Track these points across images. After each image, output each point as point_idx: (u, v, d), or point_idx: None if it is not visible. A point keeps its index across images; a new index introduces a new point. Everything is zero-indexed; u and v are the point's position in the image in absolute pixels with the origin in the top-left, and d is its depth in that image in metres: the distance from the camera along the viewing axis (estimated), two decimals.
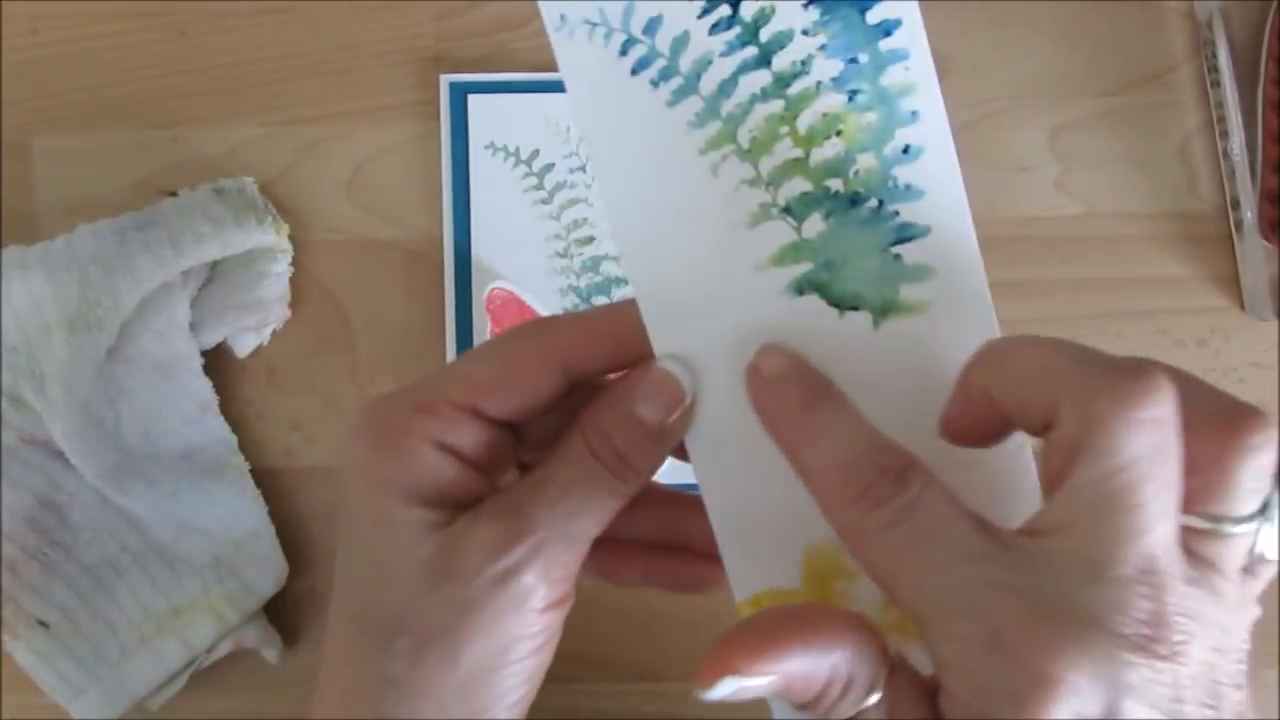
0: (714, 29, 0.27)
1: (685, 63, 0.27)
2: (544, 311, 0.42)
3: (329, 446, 0.43)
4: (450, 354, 0.43)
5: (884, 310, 0.28)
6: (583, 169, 0.43)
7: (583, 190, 0.43)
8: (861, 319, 0.28)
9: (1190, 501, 0.22)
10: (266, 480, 0.43)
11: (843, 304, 0.28)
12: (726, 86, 0.27)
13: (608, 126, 0.28)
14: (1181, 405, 0.22)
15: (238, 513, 0.42)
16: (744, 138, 0.28)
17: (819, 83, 0.27)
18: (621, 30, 0.27)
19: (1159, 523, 0.22)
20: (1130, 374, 0.22)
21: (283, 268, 0.43)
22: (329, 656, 0.28)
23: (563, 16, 0.27)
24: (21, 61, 0.44)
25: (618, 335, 0.28)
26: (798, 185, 0.28)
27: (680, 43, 0.27)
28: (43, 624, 0.41)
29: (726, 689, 0.23)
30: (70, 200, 0.44)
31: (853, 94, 0.27)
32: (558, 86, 0.42)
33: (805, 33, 0.27)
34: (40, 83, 0.44)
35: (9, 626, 0.41)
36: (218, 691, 0.43)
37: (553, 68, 0.38)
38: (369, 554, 0.27)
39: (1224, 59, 0.42)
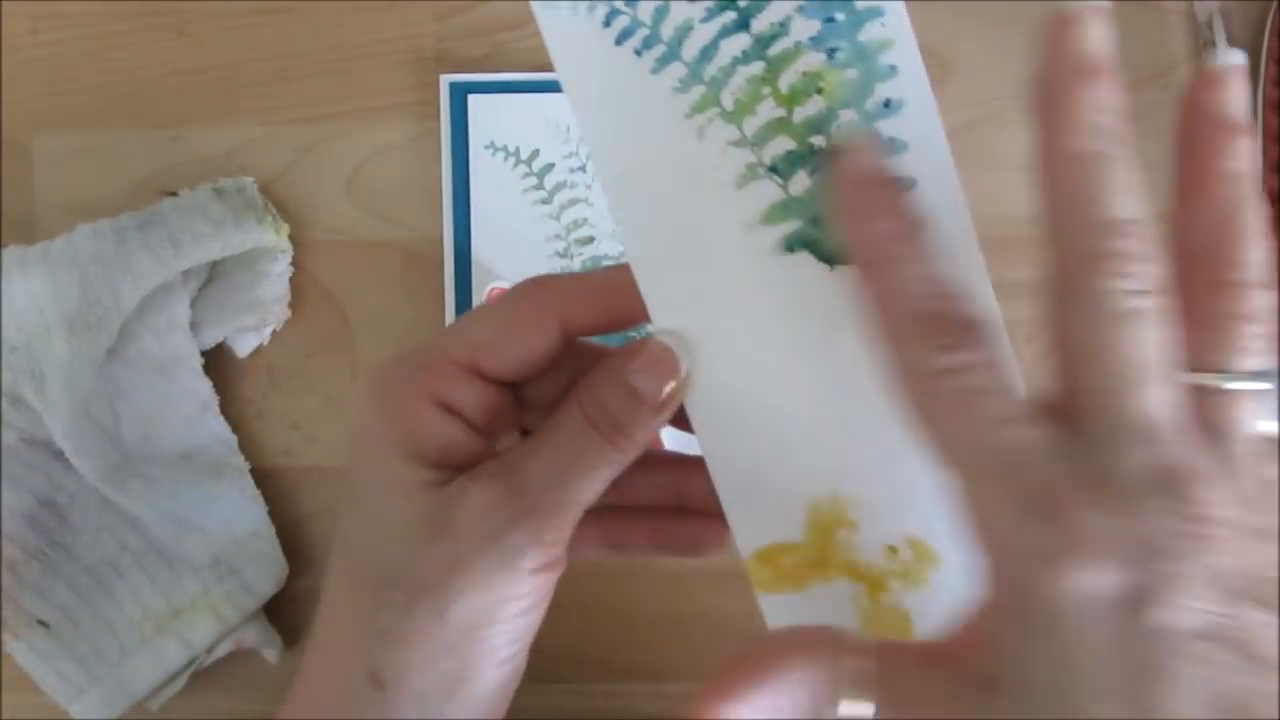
0: None
1: (667, 30, 0.28)
2: None
3: (329, 446, 0.43)
4: None
5: None
6: (583, 169, 0.43)
7: (583, 190, 0.43)
8: (852, 273, 0.28)
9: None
10: (266, 480, 0.43)
11: (833, 259, 0.28)
12: (708, 51, 0.28)
13: (596, 97, 0.28)
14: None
15: (238, 512, 0.42)
16: (727, 100, 0.28)
17: (798, 42, 0.28)
18: (604, 2, 0.28)
19: (1155, 383, 0.22)
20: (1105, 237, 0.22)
21: (283, 268, 0.43)
22: (325, 609, 0.28)
23: None
24: (21, 61, 0.44)
25: (613, 293, 0.28)
26: (782, 144, 0.28)
27: (661, 12, 0.28)
28: (43, 624, 0.41)
29: None
30: (70, 200, 0.44)
31: (831, 52, 0.28)
32: (558, 86, 0.42)
33: None
34: (40, 83, 0.44)
35: (9, 626, 0.41)
36: (218, 691, 0.43)
37: (554, 67, 0.38)
38: (368, 510, 0.27)
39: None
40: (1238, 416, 0.23)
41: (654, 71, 0.28)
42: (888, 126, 0.28)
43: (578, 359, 0.29)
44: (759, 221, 0.28)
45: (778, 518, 0.30)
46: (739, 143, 0.28)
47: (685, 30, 0.28)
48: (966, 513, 0.23)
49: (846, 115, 0.28)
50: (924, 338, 0.23)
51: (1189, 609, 0.21)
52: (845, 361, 0.29)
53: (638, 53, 0.28)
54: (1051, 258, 0.23)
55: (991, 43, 0.44)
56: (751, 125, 0.28)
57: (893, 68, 0.28)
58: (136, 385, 0.41)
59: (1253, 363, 0.23)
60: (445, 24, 0.43)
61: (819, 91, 0.28)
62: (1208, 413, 0.23)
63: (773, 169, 0.28)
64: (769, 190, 0.28)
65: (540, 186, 0.43)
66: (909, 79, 0.27)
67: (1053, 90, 0.23)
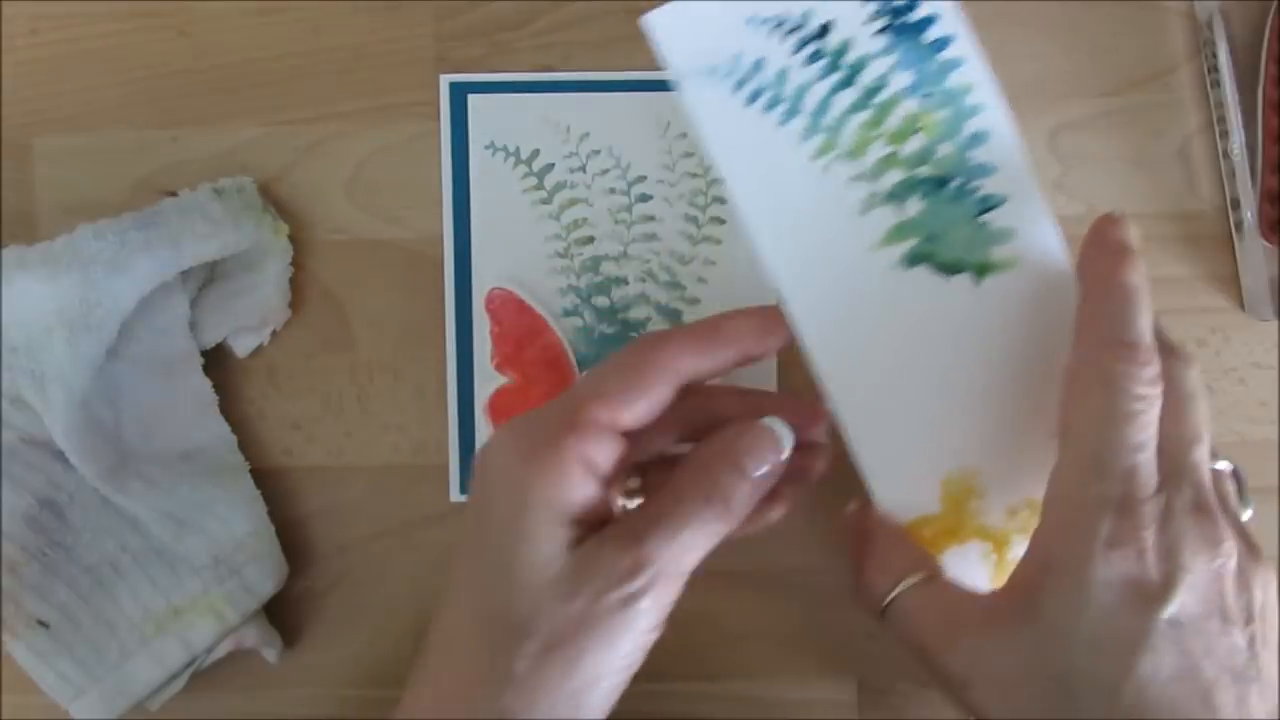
0: (807, 62, 0.34)
1: (789, 90, 0.34)
2: (543, 311, 0.42)
3: (329, 446, 0.43)
4: (450, 353, 0.43)
5: (982, 269, 0.35)
6: (582, 169, 0.43)
7: (582, 190, 0.43)
8: (965, 280, 0.35)
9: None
10: (267, 480, 0.43)
11: (948, 269, 0.35)
12: (824, 105, 0.34)
13: (734, 151, 0.34)
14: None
15: (238, 512, 0.42)
16: (844, 144, 0.34)
17: (896, 92, 0.34)
18: (733, 73, 0.34)
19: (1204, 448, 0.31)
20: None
21: (283, 268, 0.43)
22: (444, 648, 0.31)
23: (686, 69, 0.34)
24: (21, 61, 0.44)
25: (722, 343, 0.32)
26: (894, 175, 0.34)
27: (782, 77, 0.34)
28: (43, 624, 0.41)
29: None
30: (70, 200, 0.44)
31: (925, 96, 0.34)
32: (558, 86, 0.43)
33: (879, 55, 0.34)
34: (40, 83, 0.44)
35: (9, 626, 0.41)
36: (218, 691, 0.43)
37: (553, 67, 0.42)
38: (504, 560, 0.29)
39: (1224, 59, 0.42)
40: (1228, 489, 0.32)
41: (781, 124, 0.34)
42: (978, 154, 0.35)
43: (681, 401, 0.32)
44: (881, 243, 0.34)
45: (918, 494, 0.35)
46: (858, 177, 0.34)
47: (804, 90, 0.34)
48: (1060, 486, 0.31)
49: (944, 148, 0.34)
50: (1134, 362, 0.30)
51: (1182, 605, 0.29)
52: (965, 355, 0.35)
53: (766, 109, 0.34)
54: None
55: (991, 43, 0.44)
56: (867, 162, 0.34)
57: (976, 106, 0.34)
58: (137, 385, 0.41)
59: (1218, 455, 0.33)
60: (445, 24, 0.43)
61: (919, 130, 0.34)
62: (1217, 484, 0.32)
63: (888, 197, 0.34)
64: (887, 215, 0.34)
65: (540, 186, 0.43)
66: (991, 113, 0.35)
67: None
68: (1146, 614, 0.29)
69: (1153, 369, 0.31)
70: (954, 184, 0.35)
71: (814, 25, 0.34)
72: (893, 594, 0.33)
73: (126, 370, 0.41)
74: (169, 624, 0.41)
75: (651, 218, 0.43)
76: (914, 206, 0.34)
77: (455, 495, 0.43)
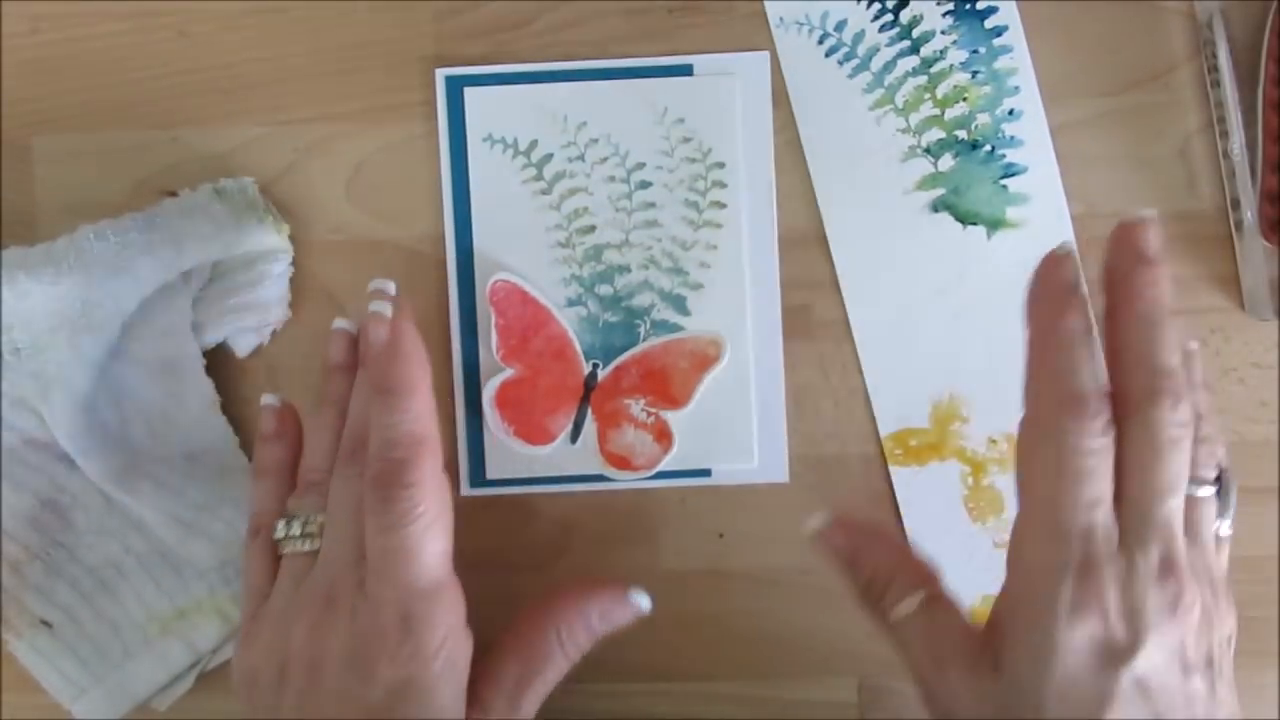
0: (881, 29, 0.42)
1: (861, 50, 0.42)
2: (547, 302, 0.42)
3: None
4: (456, 347, 0.43)
5: (995, 224, 0.42)
6: (581, 158, 0.43)
7: (582, 179, 0.43)
8: (979, 231, 0.41)
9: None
10: None
11: (966, 219, 0.41)
12: (889, 66, 0.42)
13: (810, 92, 0.42)
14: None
15: (243, 515, 0.42)
16: (899, 100, 0.42)
17: (951, 65, 0.42)
18: (819, 28, 0.42)
19: (1178, 494, 0.30)
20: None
21: (283, 268, 0.43)
22: None
23: (781, 18, 0.42)
24: (21, 61, 0.44)
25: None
26: (935, 134, 0.42)
27: (859, 37, 0.42)
28: (45, 624, 0.41)
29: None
30: (70, 200, 0.44)
31: (975, 73, 0.42)
32: (554, 77, 0.43)
33: (943, 32, 0.41)
34: (40, 83, 0.44)
35: (12, 625, 0.41)
36: (224, 693, 0.43)
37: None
38: None
39: (1224, 59, 0.42)
40: (1203, 518, 0.32)
41: (850, 77, 0.42)
42: (1010, 127, 0.42)
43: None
44: (914, 188, 0.41)
45: (909, 408, 0.41)
46: (904, 130, 0.42)
47: (874, 51, 0.42)
48: (1019, 546, 0.31)
49: (982, 117, 0.42)
50: (1081, 417, 0.30)
51: (1148, 662, 0.29)
52: (967, 296, 0.41)
53: (840, 63, 0.42)
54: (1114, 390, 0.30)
55: None
56: (915, 119, 0.41)
57: (1016, 87, 0.42)
58: (141, 386, 0.41)
59: (1208, 473, 0.32)
60: (445, 24, 0.43)
61: (964, 99, 0.42)
62: (1192, 515, 0.31)
63: (927, 151, 0.42)
64: (923, 166, 0.42)
65: (540, 177, 0.43)
66: (1027, 95, 0.42)
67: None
68: (1112, 673, 0.29)
69: (1100, 419, 0.30)
70: (984, 149, 0.41)
71: None
72: (894, 613, 0.33)
73: (130, 371, 0.41)
74: (173, 625, 0.41)
75: (652, 204, 0.43)
76: (947, 163, 0.41)
77: (465, 489, 0.43)
